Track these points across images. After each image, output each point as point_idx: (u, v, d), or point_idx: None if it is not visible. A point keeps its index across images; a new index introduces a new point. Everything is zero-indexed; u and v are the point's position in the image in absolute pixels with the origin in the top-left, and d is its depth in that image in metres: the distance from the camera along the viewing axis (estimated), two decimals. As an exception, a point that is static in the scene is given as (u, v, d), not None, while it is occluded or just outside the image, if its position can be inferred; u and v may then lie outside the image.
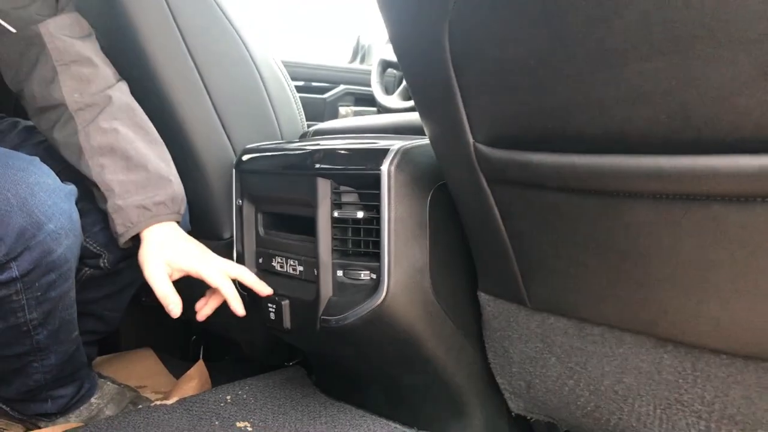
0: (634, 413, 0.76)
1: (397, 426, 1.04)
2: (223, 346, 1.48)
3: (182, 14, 1.08)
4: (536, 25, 0.59)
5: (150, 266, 0.96)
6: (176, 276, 0.98)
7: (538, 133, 0.67)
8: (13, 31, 1.00)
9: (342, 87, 2.04)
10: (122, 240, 1.00)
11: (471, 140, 0.73)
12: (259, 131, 1.17)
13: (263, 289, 1.00)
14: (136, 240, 1.01)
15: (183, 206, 1.04)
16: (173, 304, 0.96)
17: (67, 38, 1.01)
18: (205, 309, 1.03)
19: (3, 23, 1.00)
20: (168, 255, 0.98)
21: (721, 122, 0.53)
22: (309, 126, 1.30)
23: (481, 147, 0.73)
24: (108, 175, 0.99)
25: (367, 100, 2.04)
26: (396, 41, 0.75)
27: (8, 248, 0.88)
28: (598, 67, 0.57)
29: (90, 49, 1.03)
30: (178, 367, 1.43)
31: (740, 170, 0.53)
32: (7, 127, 1.18)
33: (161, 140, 1.05)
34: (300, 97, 1.80)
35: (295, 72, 1.97)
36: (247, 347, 1.35)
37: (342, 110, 2.04)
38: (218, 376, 1.34)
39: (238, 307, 0.98)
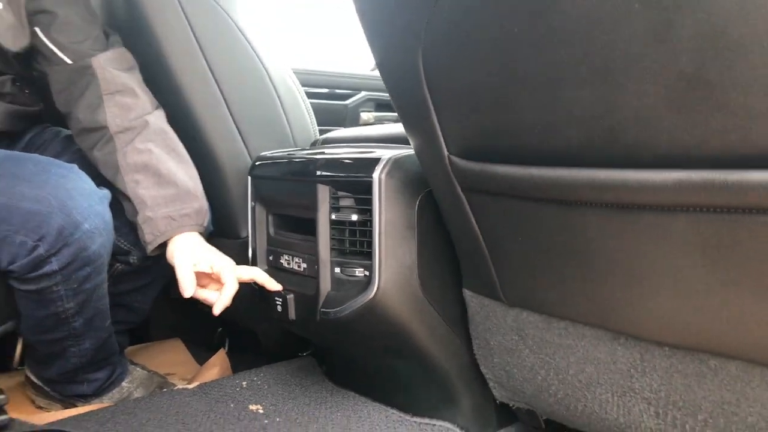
0: (596, 400, 0.84)
1: (395, 411, 1.13)
2: (245, 338, 1.59)
3: (203, 34, 1.19)
4: (491, 56, 0.68)
5: (179, 257, 1.07)
6: (199, 268, 1.09)
7: (500, 148, 0.75)
8: (69, 62, 1.14)
9: (363, 93, 2.13)
10: (150, 248, 1.11)
11: (446, 152, 0.82)
12: (274, 139, 1.28)
13: (273, 285, 1.10)
14: (162, 248, 1.12)
15: (206, 219, 1.15)
16: (187, 285, 1.05)
17: (114, 70, 1.14)
18: (218, 304, 1.12)
19: (60, 54, 1.13)
20: (193, 256, 1.09)
21: (642, 143, 0.61)
22: (327, 130, 1.40)
23: (455, 159, 0.81)
24: (141, 189, 1.11)
25: (387, 106, 2.13)
26: (380, 64, 0.84)
27: (49, 245, 1.01)
28: (541, 94, 0.65)
29: (133, 80, 1.16)
30: (203, 357, 1.55)
31: (660, 184, 0.61)
32: (51, 136, 1.31)
33: (190, 160, 1.17)
34: (323, 104, 1.91)
35: (318, 79, 2.08)
36: (263, 338, 1.46)
37: (363, 116, 2.14)
38: (239, 365, 1.45)
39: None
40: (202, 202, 1.15)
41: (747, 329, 0.63)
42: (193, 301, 1.08)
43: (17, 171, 1.02)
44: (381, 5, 0.78)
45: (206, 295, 1.07)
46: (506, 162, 0.75)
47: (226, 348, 1.64)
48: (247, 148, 1.25)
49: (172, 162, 1.14)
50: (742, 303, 0.61)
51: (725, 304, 0.63)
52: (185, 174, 1.15)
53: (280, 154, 1.15)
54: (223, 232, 1.31)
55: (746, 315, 0.62)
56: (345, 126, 2.11)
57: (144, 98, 1.16)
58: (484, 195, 0.82)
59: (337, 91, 2.16)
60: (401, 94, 0.84)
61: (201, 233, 1.14)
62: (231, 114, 1.23)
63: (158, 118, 1.17)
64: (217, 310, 1.13)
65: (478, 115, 0.74)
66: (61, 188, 1.02)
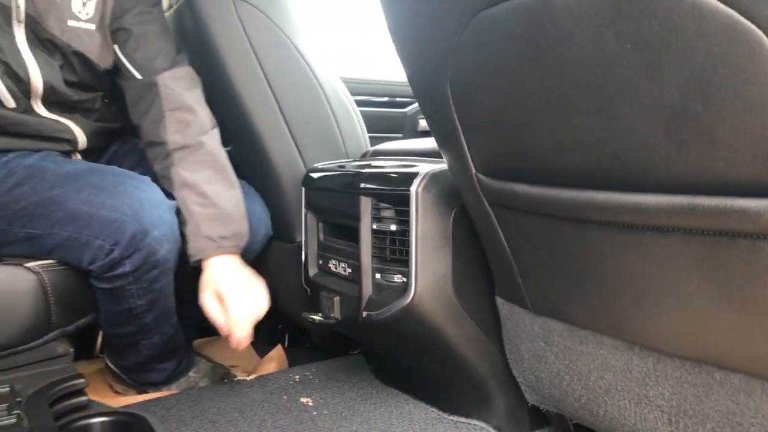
0: (615, 406, 0.88)
1: (434, 410, 1.20)
2: (302, 335, 1.69)
3: (263, 54, 1.29)
4: (507, 87, 0.74)
5: (204, 295, 1.21)
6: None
7: (519, 169, 0.81)
8: (139, 77, 1.26)
9: (421, 101, 2.20)
10: (192, 260, 1.23)
11: (473, 170, 0.88)
12: (327, 150, 1.37)
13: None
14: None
15: (245, 241, 1.25)
16: (221, 327, 1.20)
17: (177, 88, 1.25)
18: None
19: (132, 70, 1.26)
20: (219, 287, 1.20)
21: (642, 169, 0.65)
22: (385, 137, 1.48)
23: (481, 176, 0.88)
24: (189, 205, 1.22)
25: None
26: (412, 84, 0.91)
27: (123, 249, 1.13)
28: (551, 122, 0.71)
29: (194, 98, 1.27)
30: (264, 351, 1.66)
31: (658, 207, 0.65)
32: (130, 148, 1.44)
33: (237, 183, 1.27)
34: (383, 112, 1.99)
35: (377, 88, 2.17)
36: (316, 336, 1.55)
37: (422, 122, 2.21)
38: (295, 360, 1.55)
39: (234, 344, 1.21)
40: (240, 226, 1.25)
41: (744, 344, 0.67)
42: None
43: (99, 182, 1.15)
44: (412, 30, 0.85)
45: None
46: (524, 182, 0.81)
47: (286, 344, 1.75)
48: (302, 159, 1.34)
49: (218, 184, 1.24)
50: (736, 319, 0.65)
51: (722, 320, 0.67)
52: (229, 197, 1.25)
53: (330, 166, 1.24)
54: (280, 236, 1.41)
55: (741, 330, 0.66)
56: (404, 133, 2.19)
57: (202, 116, 1.26)
58: (508, 210, 0.87)
59: (397, 99, 2.24)
60: (432, 115, 0.91)
61: (238, 253, 1.25)
62: (288, 128, 1.32)
63: (213, 139, 1.27)
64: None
65: (498, 138, 0.80)
66: (135, 199, 1.14)
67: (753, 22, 0.50)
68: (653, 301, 0.73)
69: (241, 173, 1.31)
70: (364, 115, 1.50)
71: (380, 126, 1.97)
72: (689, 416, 0.78)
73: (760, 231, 0.58)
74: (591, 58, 0.63)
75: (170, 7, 1.42)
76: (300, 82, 1.33)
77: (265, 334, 1.84)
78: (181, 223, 1.23)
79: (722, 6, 0.51)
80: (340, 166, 1.23)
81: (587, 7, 0.60)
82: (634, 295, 0.75)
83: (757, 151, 0.55)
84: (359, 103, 1.51)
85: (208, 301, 1.20)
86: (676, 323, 0.72)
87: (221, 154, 1.27)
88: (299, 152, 1.34)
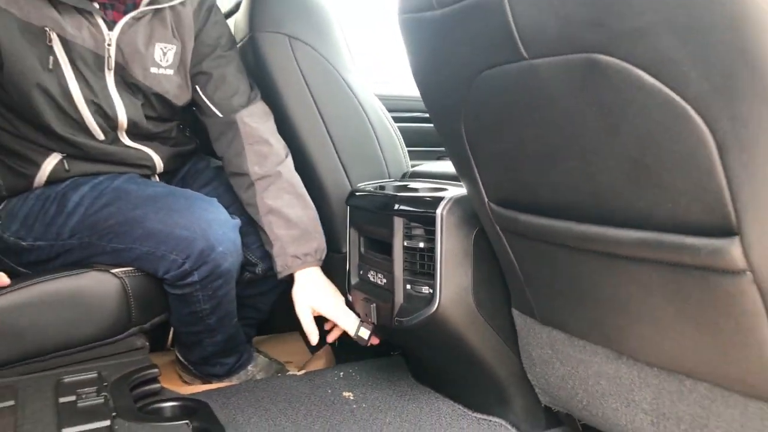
0: (609, 408, 1.00)
1: (460, 407, 1.33)
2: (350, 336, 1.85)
3: (315, 86, 1.46)
4: (506, 132, 0.88)
5: (299, 308, 1.44)
6: (316, 314, 1.45)
7: (520, 201, 0.94)
8: (220, 116, 1.45)
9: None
10: (280, 276, 1.44)
11: (486, 199, 1.02)
12: (371, 171, 1.52)
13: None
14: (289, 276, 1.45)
15: (323, 254, 1.46)
16: (313, 336, 1.44)
17: (254, 124, 1.44)
18: (331, 335, 1.50)
19: (213, 109, 1.45)
20: (311, 300, 1.43)
21: (614, 206, 0.78)
22: (433, 151, 1.61)
23: (492, 205, 1.01)
24: (275, 229, 1.43)
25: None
26: (434, 124, 1.05)
27: (192, 262, 1.31)
28: (543, 163, 0.84)
29: (269, 131, 1.47)
30: (316, 349, 1.82)
31: (626, 240, 0.78)
32: (203, 167, 1.63)
33: (312, 204, 1.47)
34: (423, 127, 2.13)
35: (417, 105, 2.30)
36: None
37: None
38: (341, 358, 1.71)
39: (351, 334, 1.43)
40: (320, 241, 1.46)
41: (705, 358, 0.78)
42: None
43: (173, 204, 1.34)
44: (432, 75, 0.99)
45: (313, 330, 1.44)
46: (526, 212, 0.94)
47: (336, 343, 1.91)
48: (349, 179, 1.50)
49: (298, 207, 1.44)
50: (697, 337, 0.77)
51: (686, 337, 0.78)
52: (308, 218, 1.45)
53: (370, 187, 1.39)
54: (329, 247, 1.57)
55: (701, 347, 0.77)
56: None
57: (277, 147, 1.45)
58: (515, 235, 1.01)
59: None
60: (450, 149, 1.04)
61: (319, 266, 1.46)
62: (336, 152, 1.48)
63: (288, 168, 1.46)
64: (330, 339, 1.52)
65: (503, 174, 0.94)
66: (204, 219, 1.32)
67: (682, 97, 0.63)
68: (632, 317, 0.85)
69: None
70: (407, 130, 1.64)
71: (422, 140, 2.09)
72: (667, 419, 0.89)
73: (703, 265, 0.70)
74: (568, 117, 0.76)
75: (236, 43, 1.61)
76: (347, 111, 1.49)
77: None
78: (266, 243, 1.45)
79: (660, 84, 0.64)
80: (380, 187, 1.38)
81: (563, 75, 0.73)
82: (617, 311, 0.87)
83: (694, 196, 0.67)
84: (401, 119, 1.65)
85: (303, 313, 1.44)
86: (651, 337, 0.84)
87: (296, 179, 1.47)
88: (346, 173, 1.50)
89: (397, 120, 1.64)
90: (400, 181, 1.48)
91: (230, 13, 1.67)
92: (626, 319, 0.87)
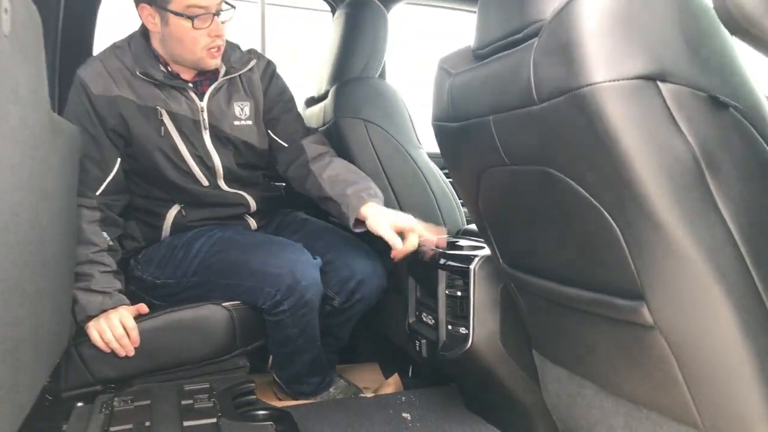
0: (600, 433, 1.23)
1: (496, 430, 1.59)
2: (418, 367, 2.14)
3: (384, 158, 1.80)
4: (502, 212, 1.16)
5: (381, 227, 1.59)
6: (396, 228, 1.58)
7: (520, 264, 1.21)
8: (285, 145, 1.83)
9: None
10: (351, 220, 1.67)
11: (500, 260, 1.30)
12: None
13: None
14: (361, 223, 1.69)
15: (381, 197, 1.69)
16: (398, 244, 1.56)
17: (313, 144, 1.82)
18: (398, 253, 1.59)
19: (281, 142, 1.84)
20: (388, 217, 1.60)
21: (578, 272, 1.04)
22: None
23: (504, 265, 1.29)
24: (336, 189, 1.71)
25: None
26: (464, 203, 1.35)
27: (282, 294, 1.66)
28: (529, 237, 1.12)
29: (326, 146, 1.84)
30: (389, 377, 2.13)
31: (587, 299, 1.03)
32: (292, 218, 2.00)
33: (364, 174, 1.76)
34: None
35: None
36: (423, 369, 2.00)
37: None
38: (409, 386, 2.00)
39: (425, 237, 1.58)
40: (375, 188, 1.70)
41: (647, 392, 1.02)
42: (389, 336, 1.70)
43: (269, 249, 1.71)
44: (456, 163, 1.28)
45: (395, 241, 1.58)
46: (525, 272, 1.21)
47: (410, 374, 2.21)
48: (411, 234, 1.81)
49: (352, 173, 1.75)
50: (637, 375, 1.01)
51: (633, 374, 1.03)
52: (361, 177, 1.74)
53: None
54: (395, 289, 1.88)
55: (642, 383, 1.01)
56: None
57: (333, 153, 1.82)
58: (521, 290, 1.28)
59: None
60: (474, 220, 1.33)
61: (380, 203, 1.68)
62: (400, 208, 1.81)
63: (342, 160, 1.81)
64: (397, 255, 1.61)
65: (507, 243, 1.22)
66: (291, 260, 1.68)
67: (599, 203, 0.90)
68: (599, 358, 1.10)
69: (369, 243, 1.82)
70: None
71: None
72: (635, 441, 1.13)
73: (627, 320, 0.95)
74: (538, 205, 1.04)
75: (324, 125, 1.98)
76: (410, 179, 1.82)
77: (394, 365, 2.33)
78: (335, 210, 1.71)
79: (584, 192, 0.91)
80: (435, 243, 1.68)
81: (531, 179, 1.02)
82: (589, 352, 1.12)
83: (617, 269, 0.93)
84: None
85: (384, 229, 1.58)
86: (614, 374, 1.09)
87: (349, 164, 1.80)
88: (409, 229, 1.81)
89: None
90: (453, 237, 1.78)
91: (320, 99, 2.06)
92: (595, 358, 1.11)
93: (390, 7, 2.32)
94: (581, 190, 0.91)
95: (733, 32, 0.70)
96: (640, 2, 0.80)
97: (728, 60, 0.82)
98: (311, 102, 2.21)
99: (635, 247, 0.87)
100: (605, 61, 0.79)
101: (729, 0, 0.67)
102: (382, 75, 2.39)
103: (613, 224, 0.89)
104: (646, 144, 0.79)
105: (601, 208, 0.89)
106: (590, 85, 0.80)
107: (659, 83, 0.79)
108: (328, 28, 2.18)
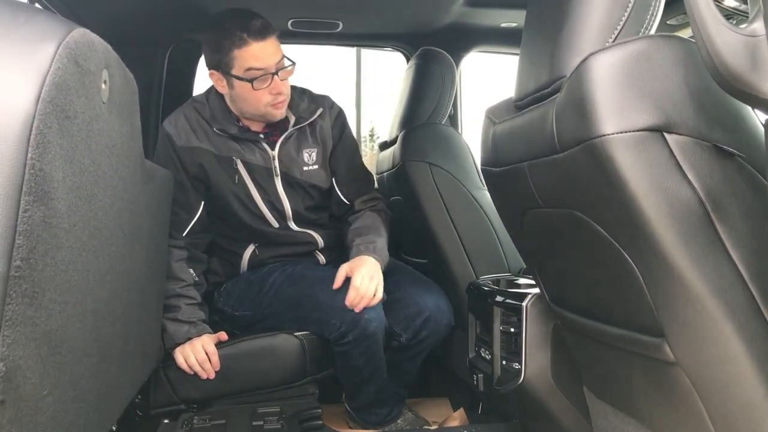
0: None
1: (550, 463, 1.62)
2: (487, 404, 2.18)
3: (448, 199, 1.90)
4: (543, 253, 1.23)
5: (341, 268, 1.79)
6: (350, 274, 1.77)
7: (562, 301, 1.27)
8: (347, 203, 1.98)
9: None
10: (351, 256, 1.84)
11: (547, 298, 1.36)
12: (493, 265, 1.90)
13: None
14: None
15: (384, 256, 1.84)
16: (337, 281, 1.78)
17: (360, 202, 1.97)
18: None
19: (341, 196, 1.99)
20: (352, 264, 1.78)
21: (606, 310, 1.10)
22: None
23: (551, 303, 1.35)
24: (354, 239, 1.87)
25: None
26: (513, 242, 1.42)
27: (347, 326, 1.77)
28: (564, 276, 1.18)
29: (375, 215, 1.97)
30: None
31: (614, 334, 1.08)
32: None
33: (385, 235, 1.90)
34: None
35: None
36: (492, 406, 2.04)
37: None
38: (474, 420, 2.05)
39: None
40: (382, 246, 1.87)
41: (677, 427, 1.05)
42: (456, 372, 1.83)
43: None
44: (501, 202, 1.36)
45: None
46: (567, 310, 1.27)
47: (479, 410, 2.26)
48: (474, 272, 1.89)
49: (372, 233, 1.89)
50: (669, 411, 1.05)
51: (671, 413, 1.06)
52: (379, 236, 1.89)
53: (489, 280, 1.77)
54: (460, 326, 1.96)
55: (673, 418, 1.05)
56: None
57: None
58: (565, 327, 1.33)
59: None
60: (520, 253, 1.40)
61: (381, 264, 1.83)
62: (465, 251, 1.89)
63: (374, 216, 1.96)
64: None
65: (551, 282, 1.28)
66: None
67: (618, 244, 0.96)
68: (638, 393, 1.14)
69: (435, 280, 1.92)
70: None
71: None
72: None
73: (652, 356, 0.99)
74: (570, 245, 1.11)
75: (393, 167, 2.11)
76: (473, 220, 1.90)
77: (465, 400, 2.38)
78: (348, 248, 1.90)
79: (604, 232, 0.97)
80: (496, 281, 1.75)
81: (561, 220, 1.09)
82: (628, 388, 1.16)
83: (638, 306, 0.98)
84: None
85: (341, 269, 1.79)
86: (651, 410, 1.12)
87: (379, 222, 1.94)
88: (472, 268, 1.89)
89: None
90: (513, 275, 1.84)
91: (391, 144, 2.19)
92: (632, 394, 1.15)
93: (460, 56, 2.45)
94: (601, 230, 0.98)
95: (724, 89, 0.76)
96: (646, 59, 0.87)
97: (732, 109, 0.88)
98: (384, 146, 2.36)
99: (652, 287, 0.93)
100: (614, 114, 0.87)
101: (716, 59, 0.74)
102: (454, 120, 2.50)
103: (632, 263, 0.95)
104: (653, 189, 0.86)
105: (620, 248, 0.96)
106: (601, 136, 0.87)
107: (665, 134, 0.86)
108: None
